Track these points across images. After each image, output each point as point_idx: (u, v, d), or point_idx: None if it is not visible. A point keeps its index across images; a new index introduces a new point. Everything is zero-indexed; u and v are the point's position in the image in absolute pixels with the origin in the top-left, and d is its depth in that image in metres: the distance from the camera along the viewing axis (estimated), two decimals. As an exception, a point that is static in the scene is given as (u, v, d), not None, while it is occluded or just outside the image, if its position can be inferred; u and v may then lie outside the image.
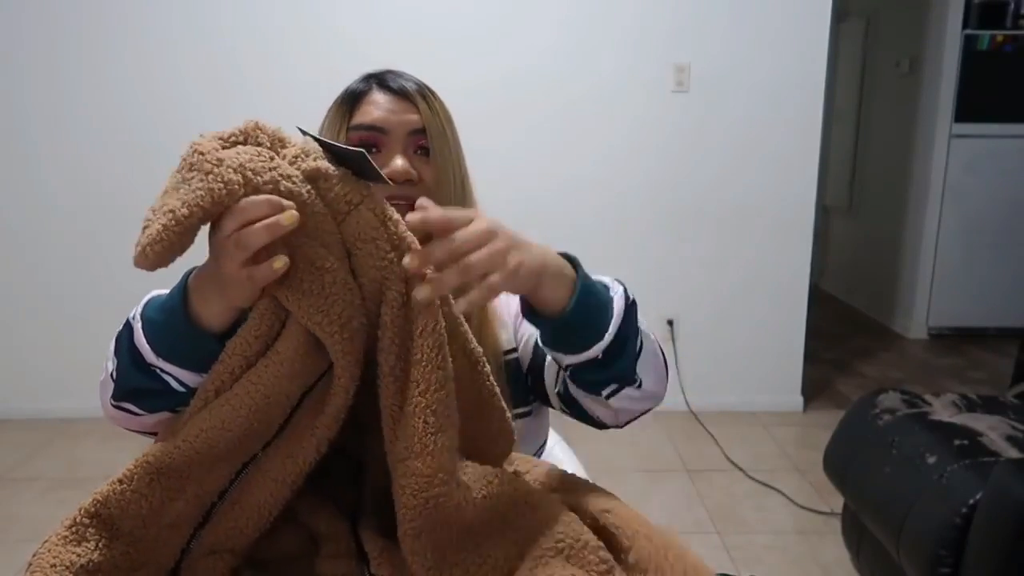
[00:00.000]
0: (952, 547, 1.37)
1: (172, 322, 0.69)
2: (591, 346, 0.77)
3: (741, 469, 2.51)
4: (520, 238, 0.70)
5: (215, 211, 0.60)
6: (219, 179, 0.59)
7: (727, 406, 2.99)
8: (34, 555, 0.65)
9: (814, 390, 3.18)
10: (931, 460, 1.50)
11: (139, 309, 0.74)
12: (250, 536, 0.70)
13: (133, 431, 0.83)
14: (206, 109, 2.71)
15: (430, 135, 0.88)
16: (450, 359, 0.68)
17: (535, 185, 2.83)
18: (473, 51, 2.75)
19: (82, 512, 0.66)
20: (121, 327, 0.75)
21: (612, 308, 0.78)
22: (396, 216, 0.68)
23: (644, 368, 0.82)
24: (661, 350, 0.87)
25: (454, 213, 0.66)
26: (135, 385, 0.74)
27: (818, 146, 2.85)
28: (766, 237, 2.90)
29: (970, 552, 1.35)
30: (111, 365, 0.77)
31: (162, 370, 0.71)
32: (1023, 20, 3.73)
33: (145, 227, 0.59)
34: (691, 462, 2.58)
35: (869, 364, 3.62)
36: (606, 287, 0.81)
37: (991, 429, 1.59)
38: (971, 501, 1.36)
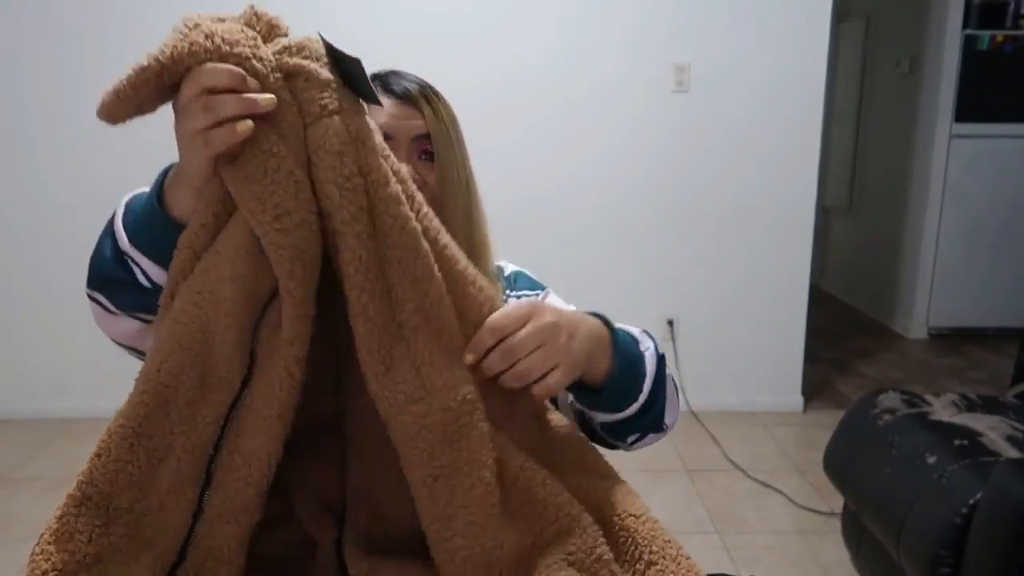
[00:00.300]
0: (952, 547, 1.37)
1: (147, 209, 0.69)
2: (628, 406, 0.80)
3: (741, 469, 2.51)
4: (571, 321, 0.71)
5: (174, 69, 0.59)
6: (186, 39, 0.59)
7: (727, 406, 2.99)
8: (30, 558, 0.62)
9: (814, 390, 3.18)
10: (931, 460, 1.50)
11: (126, 198, 0.75)
12: (259, 488, 0.65)
13: (119, 345, 0.82)
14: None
15: (435, 140, 0.88)
16: (440, 286, 0.66)
17: (535, 185, 2.83)
18: (473, 51, 2.75)
19: (70, 501, 0.62)
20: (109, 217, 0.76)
21: (645, 366, 0.80)
22: (376, 145, 0.65)
23: (669, 411, 0.85)
24: (671, 377, 0.89)
25: (509, 318, 0.67)
26: (106, 273, 0.73)
27: (818, 146, 2.85)
28: (766, 237, 2.90)
29: (970, 552, 1.35)
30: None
31: (133, 260, 0.71)
32: (1023, 20, 3.73)
33: None
34: (691, 462, 2.58)
35: (869, 364, 3.62)
36: (636, 341, 0.82)
37: (991, 429, 1.59)
38: (971, 501, 1.36)
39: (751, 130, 2.83)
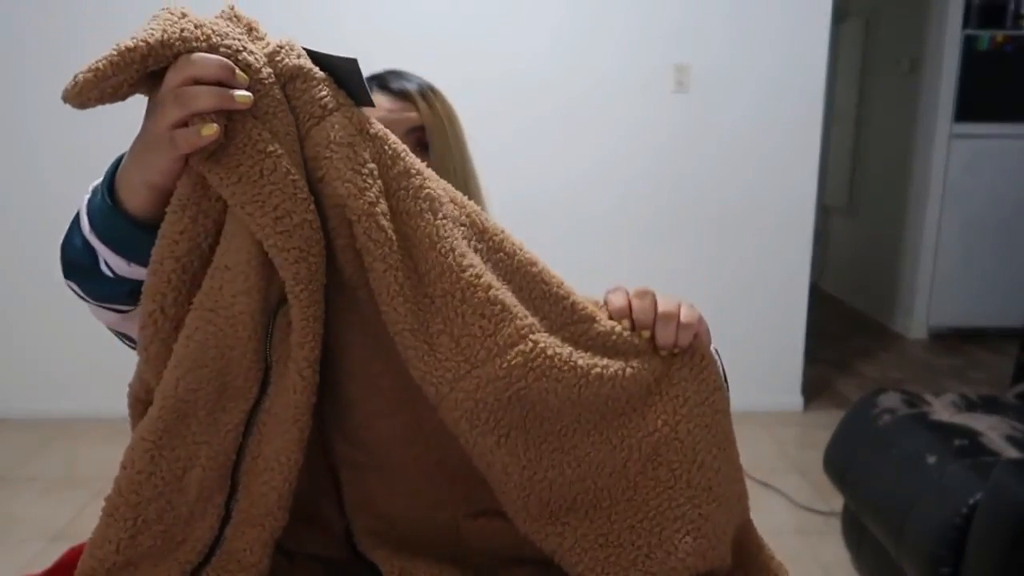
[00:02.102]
0: (952, 547, 1.37)
1: (101, 201, 0.66)
2: None
3: (741, 469, 2.51)
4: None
5: (162, 54, 0.56)
6: (176, 26, 0.56)
7: (727, 406, 2.99)
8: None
9: (814, 390, 3.18)
10: (931, 460, 1.50)
11: (95, 182, 0.71)
12: (281, 491, 0.65)
13: (110, 330, 0.79)
14: (206, 109, 2.71)
15: (428, 132, 0.88)
16: (471, 252, 0.65)
17: (534, 185, 2.83)
18: (472, 51, 2.75)
19: (103, 510, 0.63)
20: None
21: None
22: (379, 131, 0.64)
23: None
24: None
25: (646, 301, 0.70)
26: (74, 260, 0.70)
27: (818, 146, 2.85)
28: (766, 237, 2.90)
29: (970, 552, 1.35)
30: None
31: (94, 248, 0.68)
32: (1023, 20, 3.73)
33: None
34: (691, 462, 2.58)
35: (869, 364, 3.62)
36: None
37: (991, 429, 1.59)
38: (971, 501, 1.36)
39: (751, 130, 2.83)
